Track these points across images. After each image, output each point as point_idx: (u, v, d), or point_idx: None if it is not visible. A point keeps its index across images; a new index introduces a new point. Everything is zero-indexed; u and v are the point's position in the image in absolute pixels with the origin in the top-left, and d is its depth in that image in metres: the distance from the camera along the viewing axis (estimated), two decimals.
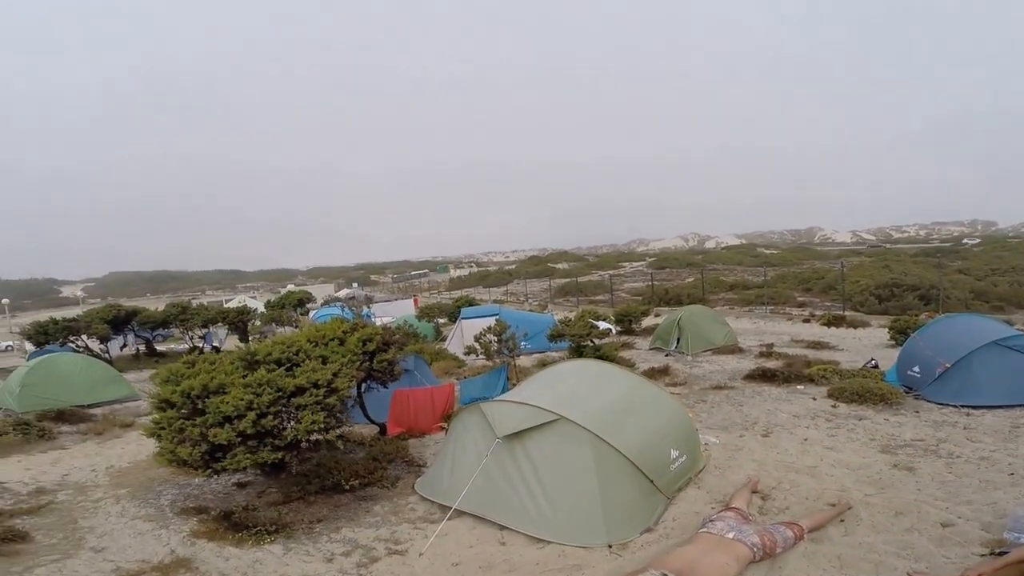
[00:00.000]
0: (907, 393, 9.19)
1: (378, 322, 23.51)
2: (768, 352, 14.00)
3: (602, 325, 13.67)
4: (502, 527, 5.43)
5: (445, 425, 8.50)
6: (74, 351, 20.07)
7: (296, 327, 21.34)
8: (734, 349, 14.76)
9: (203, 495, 6.98)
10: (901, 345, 11.51)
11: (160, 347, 26.14)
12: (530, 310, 29.19)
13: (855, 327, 18.27)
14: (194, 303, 28.43)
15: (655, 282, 33.54)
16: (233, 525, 5.80)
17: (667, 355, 14.56)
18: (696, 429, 7.18)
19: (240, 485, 7.19)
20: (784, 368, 11.34)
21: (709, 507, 5.62)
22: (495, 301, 37.29)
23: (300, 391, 6.04)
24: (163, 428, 5.94)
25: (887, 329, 15.61)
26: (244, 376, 6.07)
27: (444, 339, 20.40)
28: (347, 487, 6.50)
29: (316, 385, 6.12)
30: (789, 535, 4.74)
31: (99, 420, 11.34)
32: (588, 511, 5.21)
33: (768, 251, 71.84)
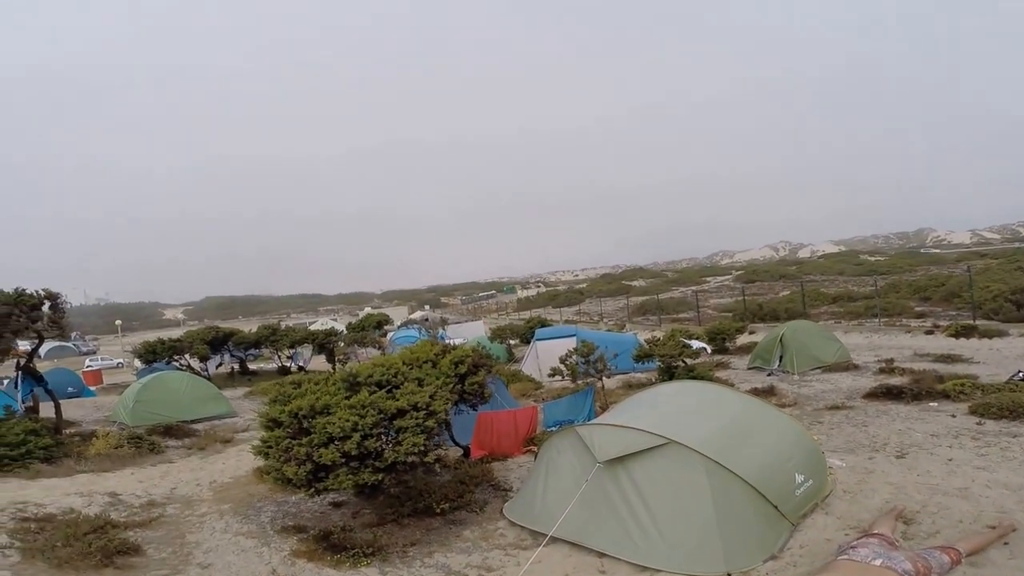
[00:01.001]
0: None
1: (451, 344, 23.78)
2: (889, 368, 12.81)
3: (695, 344, 12.96)
4: (601, 554, 5.19)
5: (535, 448, 8.20)
6: (178, 369, 21.49)
7: (380, 348, 21.85)
8: (848, 366, 13.63)
9: (300, 513, 7.01)
10: None
11: (251, 366, 27.56)
12: (607, 330, 28.51)
13: (990, 337, 16.58)
14: (283, 325, 29.88)
15: (747, 297, 31.72)
16: (332, 546, 5.77)
17: (769, 374, 13.61)
18: (822, 452, 6.71)
19: (335, 504, 7.18)
20: (912, 384, 10.38)
21: (842, 534, 5.21)
22: (567, 321, 36.83)
23: (401, 413, 5.96)
24: (270, 447, 6.00)
25: None
26: (347, 397, 6.07)
27: (517, 361, 20.20)
28: (438, 510, 6.41)
29: (416, 407, 6.02)
30: (945, 560, 4.34)
31: (201, 435, 11.89)
32: (704, 538, 4.93)
33: (873, 258, 67.00)
